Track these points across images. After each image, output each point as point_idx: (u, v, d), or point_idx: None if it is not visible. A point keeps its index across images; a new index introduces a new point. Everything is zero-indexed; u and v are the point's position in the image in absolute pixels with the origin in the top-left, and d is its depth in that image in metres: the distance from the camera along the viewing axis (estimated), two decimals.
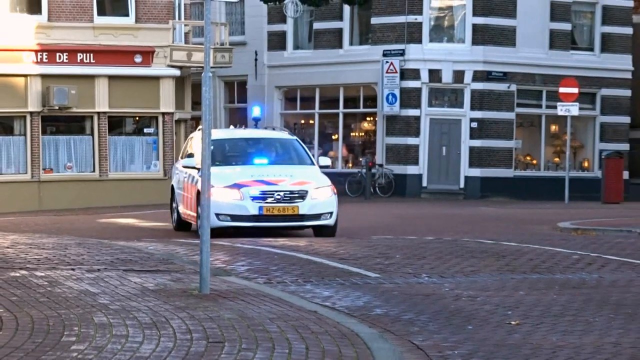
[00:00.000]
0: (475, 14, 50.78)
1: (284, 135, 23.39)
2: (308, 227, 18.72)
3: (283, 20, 52.65)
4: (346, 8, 51.56)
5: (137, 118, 45.53)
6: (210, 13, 15.91)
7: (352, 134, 55.61)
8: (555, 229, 33.26)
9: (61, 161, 44.16)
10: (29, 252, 20.96)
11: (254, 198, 17.72)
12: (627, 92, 53.25)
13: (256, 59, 53.32)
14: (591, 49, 54.67)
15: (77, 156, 43.85)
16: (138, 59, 43.15)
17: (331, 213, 18.21)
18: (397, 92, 49.33)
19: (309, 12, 52.94)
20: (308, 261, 20.76)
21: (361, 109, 54.21)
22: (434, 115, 51.16)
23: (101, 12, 43.37)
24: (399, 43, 49.88)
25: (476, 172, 50.15)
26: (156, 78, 43.48)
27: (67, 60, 42.86)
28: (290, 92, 56.20)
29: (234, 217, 17.99)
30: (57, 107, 42.46)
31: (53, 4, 42.78)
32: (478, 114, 50.17)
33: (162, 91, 43.51)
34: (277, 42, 54.15)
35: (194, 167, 19.07)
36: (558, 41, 53.11)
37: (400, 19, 49.66)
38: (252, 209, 17.60)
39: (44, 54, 42.55)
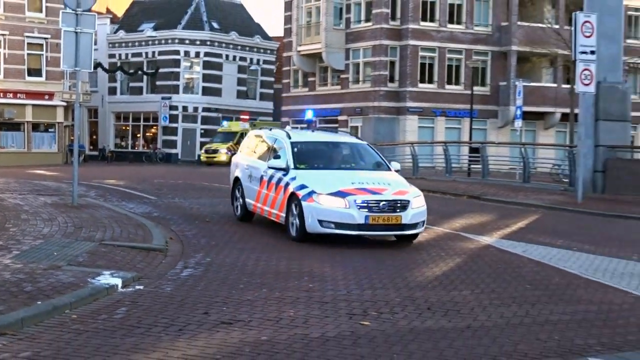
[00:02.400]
0: (204, 80, 65.53)
1: (355, 139, 18.71)
2: (407, 236, 14.71)
3: (114, 80, 67.66)
4: (145, 77, 65.81)
5: (46, 124, 57.00)
6: (80, 80, 26.45)
7: (147, 134, 68.57)
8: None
9: (9, 143, 55.43)
10: None
11: (360, 207, 13.79)
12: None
13: (102, 98, 67.00)
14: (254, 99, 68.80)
15: (16, 141, 55.66)
16: (46, 97, 55.47)
17: (424, 222, 14.71)
18: (167, 115, 63.62)
19: (126, 78, 66.66)
20: (124, 192, 28.35)
21: (151, 123, 67.37)
22: (185, 127, 65.73)
23: (29, 74, 54.50)
24: (169, 93, 64.09)
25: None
26: (54, 106, 56.02)
27: (11, 97, 54.14)
28: (119, 114, 69.05)
29: (339, 225, 13.94)
30: (7, 118, 54.57)
31: (7, 69, 53.71)
32: (204, 127, 64.44)
33: (57, 112, 56.22)
34: (112, 90, 68.27)
35: (282, 169, 15.28)
36: (241, 94, 67.17)
37: (169, 82, 64.36)
38: (359, 217, 13.72)
39: (1, 94, 53.58)
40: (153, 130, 65.92)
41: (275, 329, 9.16)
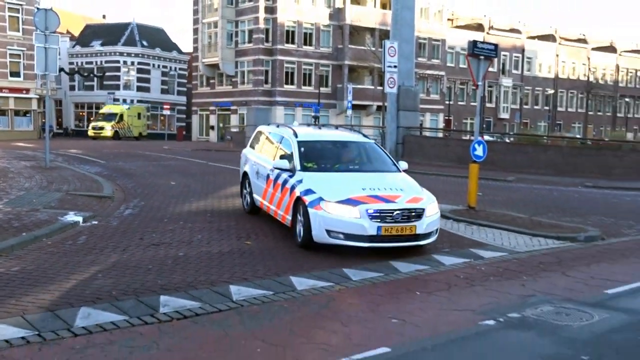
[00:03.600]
0: (137, 81, 62.77)
1: (361, 137, 12.26)
2: (420, 246, 9.75)
3: (74, 80, 63.77)
4: (95, 78, 62.06)
5: (24, 111, 52.37)
6: (49, 80, 24.72)
7: None
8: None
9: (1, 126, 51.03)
10: None
11: (372, 217, 9.14)
12: None
13: (65, 93, 63.29)
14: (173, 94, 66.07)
15: (2, 123, 51.22)
16: (24, 92, 51.48)
17: (437, 229, 9.97)
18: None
19: (82, 79, 63.41)
20: (82, 158, 27.07)
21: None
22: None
23: (10, 75, 50.35)
24: (113, 90, 63.31)
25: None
26: (30, 98, 51.86)
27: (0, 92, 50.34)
28: (77, 104, 64.80)
29: (348, 236, 9.25)
30: None
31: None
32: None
33: (32, 102, 52.04)
34: (72, 87, 64.34)
35: (287, 170, 10.37)
36: (164, 90, 65.07)
37: (112, 82, 62.19)
38: (370, 229, 9.11)
39: None
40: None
41: (189, 248, 9.38)
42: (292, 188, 9.83)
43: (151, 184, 17.42)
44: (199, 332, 5.75)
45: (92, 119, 61.11)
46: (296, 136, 10.87)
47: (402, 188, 9.69)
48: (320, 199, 9.13)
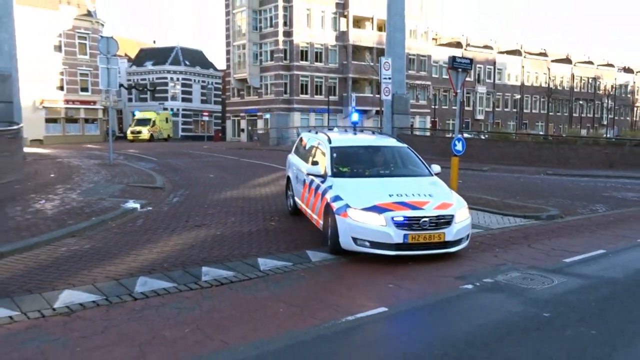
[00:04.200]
0: (182, 94, 64.03)
1: (396, 142, 9.92)
2: (449, 253, 7.56)
3: (131, 93, 62.80)
4: (148, 92, 62.25)
5: (92, 119, 51.16)
6: (111, 94, 21.44)
7: None
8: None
9: (72, 130, 49.36)
10: (58, 154, 28.20)
11: (399, 224, 7.24)
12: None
13: (124, 104, 62.94)
14: (211, 104, 67.24)
15: (75, 129, 49.87)
16: (92, 103, 50.37)
17: (468, 235, 7.90)
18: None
19: (137, 92, 63.85)
20: (139, 156, 26.48)
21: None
22: (172, 120, 62.11)
23: (81, 90, 49.51)
24: (162, 101, 62.90)
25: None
26: (97, 109, 50.88)
27: (72, 103, 49.49)
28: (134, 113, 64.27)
29: (374, 244, 7.34)
30: (69, 116, 49.28)
31: (69, 88, 48.45)
32: (183, 119, 63.53)
33: (98, 112, 51.14)
34: (130, 99, 63.57)
35: (319, 176, 8.56)
36: (203, 101, 65.41)
37: (162, 94, 62.13)
38: (397, 237, 7.23)
39: (67, 102, 48.66)
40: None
41: (225, 228, 9.38)
42: (323, 194, 8.13)
43: (194, 177, 17.35)
44: (233, 296, 5.78)
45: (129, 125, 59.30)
46: (330, 142, 9.02)
47: (431, 193, 7.71)
48: (347, 205, 7.40)
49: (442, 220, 7.32)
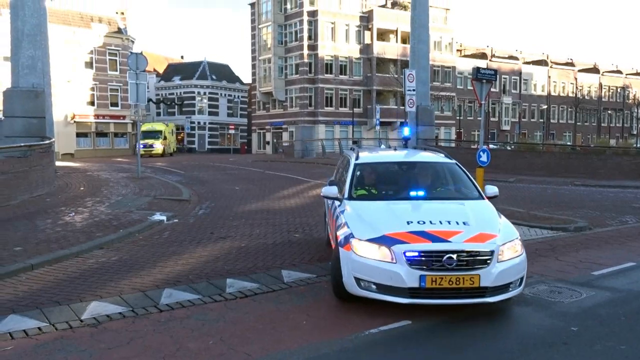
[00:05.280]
0: (208, 107, 64.79)
1: (442, 157, 7.26)
2: (489, 303, 5.17)
3: (159, 107, 63.58)
4: (176, 106, 62.16)
5: (121, 133, 51.99)
6: (140, 108, 20.24)
7: (178, 137, 62.20)
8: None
9: (101, 144, 50.14)
10: (88, 168, 28.06)
11: (412, 262, 4.94)
12: None
13: (152, 118, 57.70)
14: (237, 117, 67.50)
15: (105, 143, 50.42)
16: (121, 118, 50.47)
17: (522, 279, 5.35)
18: (189, 126, 63.18)
19: (166, 106, 63.77)
20: (166, 169, 26.09)
21: (180, 130, 66.31)
22: (199, 133, 63.75)
23: (111, 105, 50.02)
24: (189, 114, 63.83)
25: None
26: (126, 123, 50.57)
27: (102, 118, 49.89)
28: None
29: (382, 288, 5.08)
30: (100, 130, 49.90)
31: (99, 103, 49.13)
32: (210, 132, 63.47)
33: (128, 126, 51.05)
34: (158, 113, 62.71)
35: (335, 198, 6.64)
36: (229, 114, 65.30)
37: (189, 108, 62.77)
38: (409, 278, 4.88)
39: (97, 117, 49.58)
40: (181, 134, 63.29)
41: (249, 240, 9.38)
42: (336, 218, 6.38)
43: (219, 189, 17.43)
44: (257, 307, 5.76)
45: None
46: (357, 158, 7.15)
47: (467, 221, 5.60)
48: (351, 235, 5.55)
49: (476, 258, 5.20)
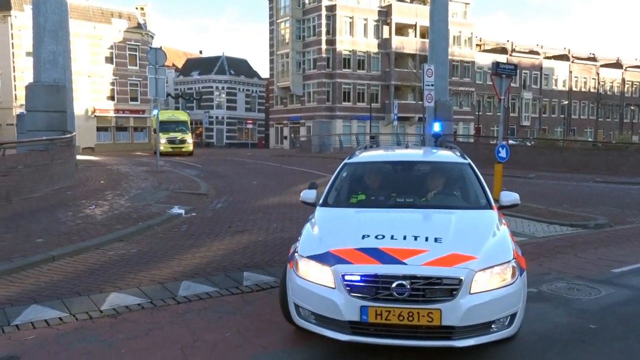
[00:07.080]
0: (227, 102, 65.00)
1: (452, 157, 5.64)
2: (456, 348, 3.40)
3: (178, 102, 63.74)
4: (194, 100, 62.80)
5: (141, 127, 51.67)
6: (159, 103, 23.96)
7: (197, 131, 60.71)
8: None
9: (121, 138, 50.73)
10: (108, 161, 27.90)
11: (352, 288, 3.44)
12: None
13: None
14: (255, 112, 67.51)
15: (125, 137, 50.43)
16: (141, 112, 50.75)
17: (512, 317, 3.54)
18: (207, 120, 62.28)
19: (184, 101, 64.75)
20: (184, 163, 25.97)
21: (198, 125, 66.51)
22: (217, 127, 62.83)
23: (131, 100, 49.57)
24: (208, 109, 63.82)
25: None
26: (146, 117, 50.26)
27: (122, 113, 49.59)
28: None
29: (320, 319, 3.70)
30: (120, 124, 50.30)
31: (119, 97, 49.32)
32: (228, 127, 63.58)
33: (147, 120, 49.65)
34: (177, 108, 61.06)
35: (310, 204, 5.39)
36: (247, 109, 66.19)
37: (208, 103, 64.34)
38: (348, 310, 3.41)
39: (117, 111, 49.84)
40: (199, 129, 63.50)
41: (267, 234, 9.41)
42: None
43: (237, 183, 17.46)
44: (273, 301, 5.68)
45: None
46: (350, 157, 6.08)
47: (441, 237, 4.16)
48: (295, 250, 4.47)
49: (435, 287, 3.77)
